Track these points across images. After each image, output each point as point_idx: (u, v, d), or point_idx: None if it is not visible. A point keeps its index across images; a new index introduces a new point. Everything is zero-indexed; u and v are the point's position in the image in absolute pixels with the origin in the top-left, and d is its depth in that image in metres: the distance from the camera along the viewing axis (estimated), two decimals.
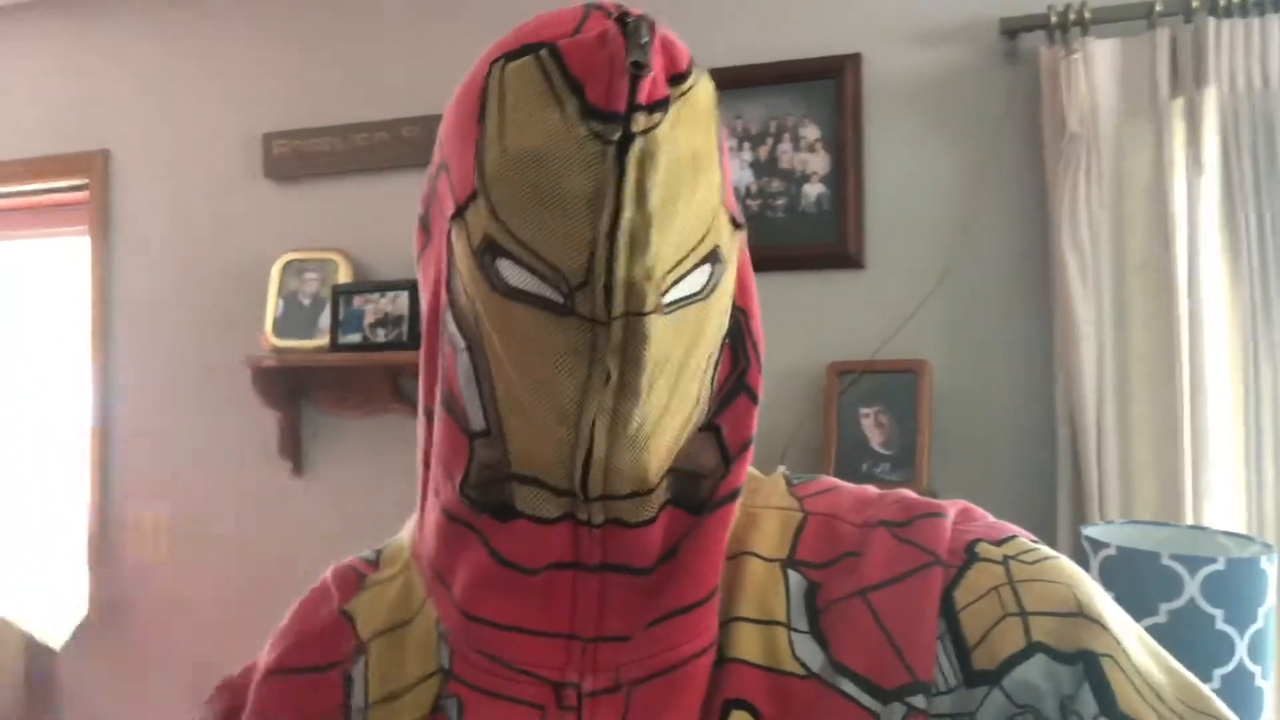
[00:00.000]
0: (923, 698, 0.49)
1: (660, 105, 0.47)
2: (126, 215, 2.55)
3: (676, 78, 0.48)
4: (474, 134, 0.50)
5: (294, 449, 2.36)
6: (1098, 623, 0.49)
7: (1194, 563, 1.26)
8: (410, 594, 0.60)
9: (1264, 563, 1.31)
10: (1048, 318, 1.83)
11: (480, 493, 0.52)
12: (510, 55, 0.50)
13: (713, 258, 0.51)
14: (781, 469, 0.62)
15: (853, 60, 1.94)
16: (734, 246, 0.54)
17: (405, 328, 2.16)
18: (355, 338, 2.20)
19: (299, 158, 2.34)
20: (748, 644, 0.52)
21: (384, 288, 2.20)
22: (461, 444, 0.53)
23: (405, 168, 2.27)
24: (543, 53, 0.48)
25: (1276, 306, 1.64)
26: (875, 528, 0.54)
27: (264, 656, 0.64)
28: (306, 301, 2.29)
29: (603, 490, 0.49)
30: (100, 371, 2.55)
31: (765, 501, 0.58)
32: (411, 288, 2.18)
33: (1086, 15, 1.73)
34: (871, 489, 0.59)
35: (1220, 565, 1.27)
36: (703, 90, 0.50)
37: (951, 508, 0.56)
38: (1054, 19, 1.75)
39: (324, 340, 2.24)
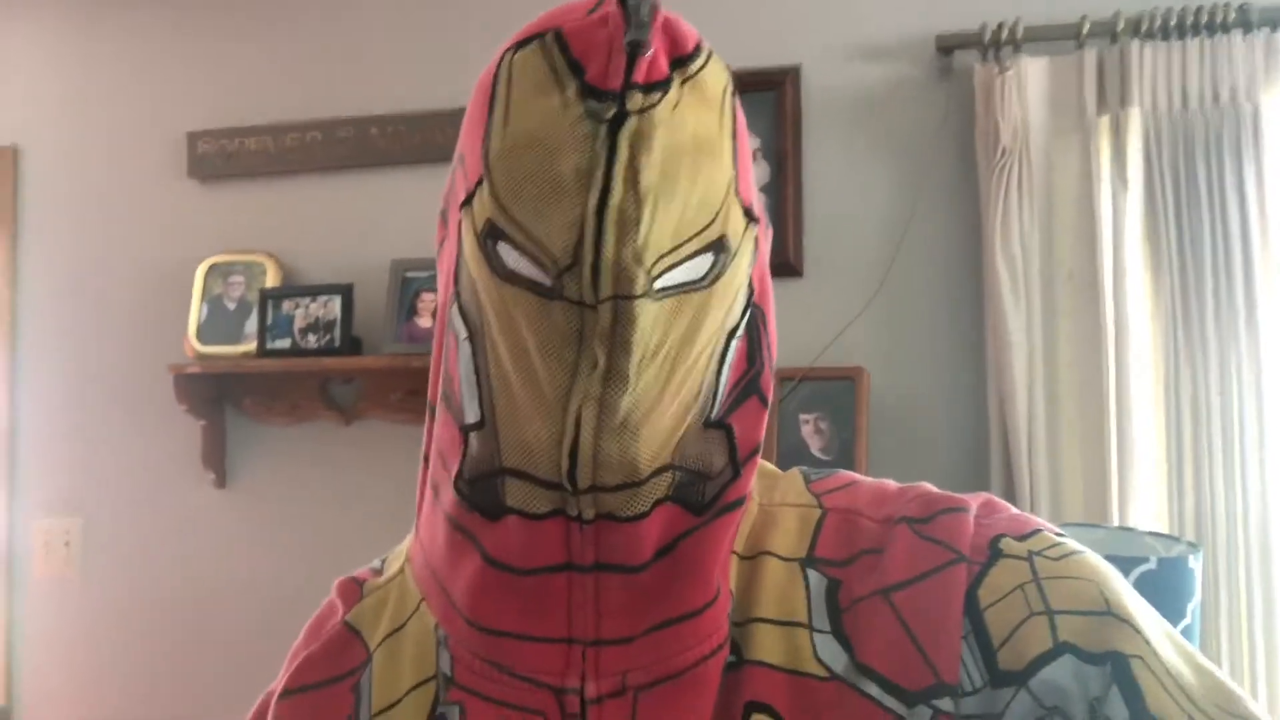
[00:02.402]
0: (949, 700, 0.48)
1: (660, 85, 0.46)
2: (37, 215, 2.42)
3: (681, 60, 0.47)
4: (484, 123, 0.49)
5: (218, 459, 2.27)
6: (1127, 622, 0.48)
7: (1127, 563, 1.31)
8: (405, 598, 0.58)
9: (1191, 561, 1.36)
10: (980, 326, 1.88)
11: (472, 488, 0.51)
12: (520, 44, 0.50)
13: (718, 247, 0.49)
14: (824, 461, 0.61)
15: (792, 73, 1.97)
16: (748, 239, 0.52)
17: (337, 333, 2.10)
18: (284, 343, 2.13)
19: (225, 157, 2.26)
20: (768, 645, 0.51)
21: (315, 291, 2.14)
22: (457, 438, 0.51)
23: (340, 169, 2.21)
24: (547, 37, 0.48)
25: (1195, 317, 1.72)
26: (896, 524, 0.53)
27: (280, 678, 0.61)
28: (232, 306, 2.21)
29: (591, 481, 0.48)
30: (8, 377, 2.42)
31: (783, 499, 0.57)
32: (344, 292, 2.12)
33: (1019, 34, 1.79)
34: (890, 483, 0.58)
35: (1153, 565, 1.32)
36: (713, 74, 0.49)
37: (974, 501, 0.55)
38: (988, 37, 1.81)
39: (251, 346, 2.16)
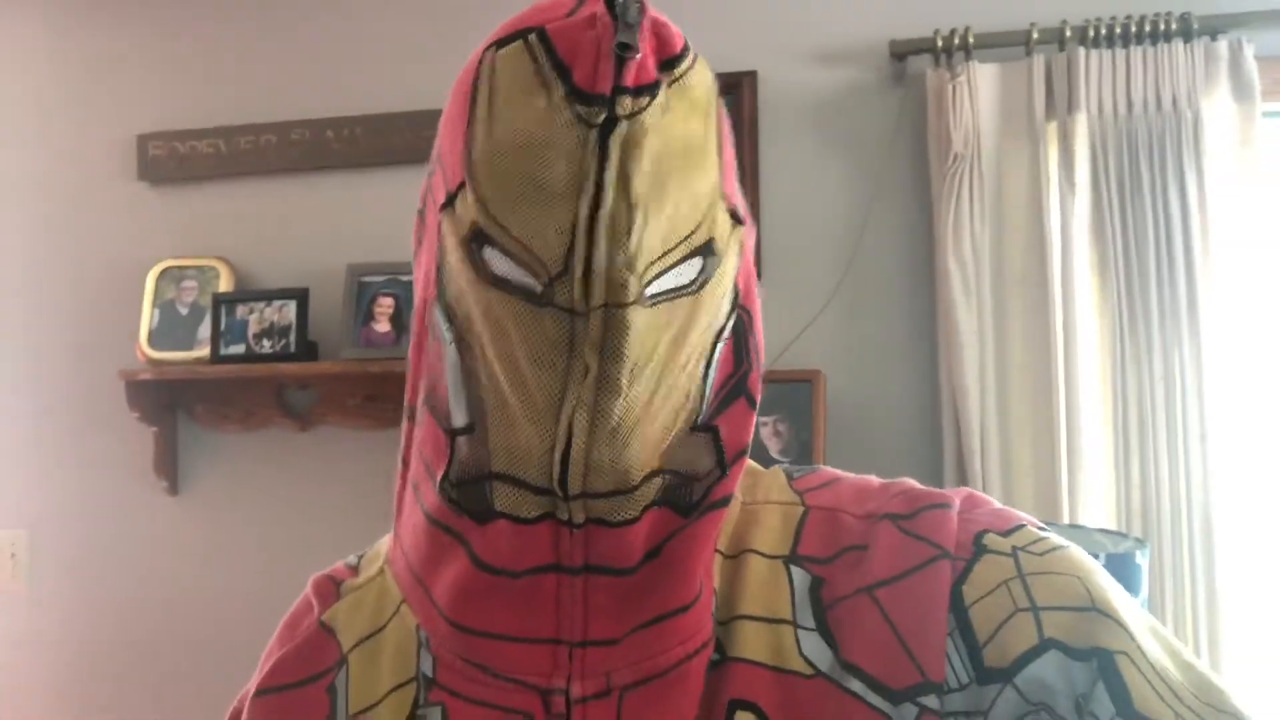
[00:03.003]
0: (935, 697, 0.48)
1: (649, 89, 0.45)
2: None
3: (669, 61, 0.47)
4: (464, 122, 0.49)
5: (170, 466, 2.23)
6: (1112, 618, 0.48)
7: None
8: (384, 599, 0.58)
9: (1139, 557, 1.40)
10: (933, 328, 1.91)
11: (460, 492, 0.50)
12: (502, 41, 0.49)
13: (705, 250, 0.49)
14: (782, 463, 0.61)
15: (749, 77, 1.98)
16: (733, 241, 0.52)
17: (293, 338, 2.08)
18: (238, 349, 2.10)
19: (177, 160, 2.22)
20: (752, 643, 0.51)
21: (270, 296, 2.11)
22: (443, 442, 0.51)
23: (295, 172, 2.18)
24: (531, 37, 0.47)
25: (1140, 317, 1.76)
26: (880, 520, 0.53)
27: (254, 677, 0.60)
28: (184, 311, 2.18)
29: (582, 488, 0.48)
30: None
31: (765, 496, 0.57)
32: (300, 297, 2.10)
33: (970, 40, 1.82)
34: (874, 479, 0.58)
35: (1101, 560, 1.35)
36: (699, 77, 0.49)
37: (957, 496, 0.55)
38: (940, 43, 1.83)
39: (204, 351, 2.13)
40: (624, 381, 0.46)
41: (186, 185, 2.25)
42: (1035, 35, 1.81)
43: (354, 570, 0.62)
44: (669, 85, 0.47)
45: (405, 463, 0.56)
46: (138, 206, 2.27)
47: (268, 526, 2.21)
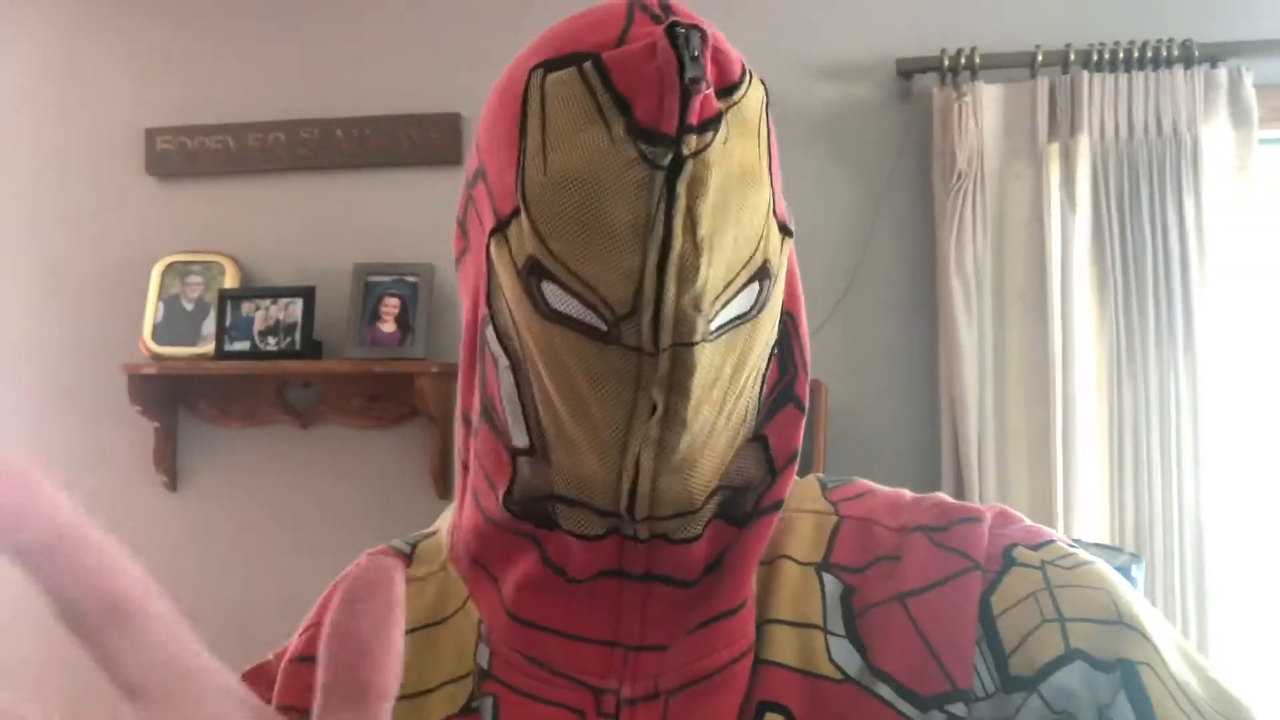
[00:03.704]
0: (962, 705, 0.49)
1: (712, 124, 0.44)
2: None
3: (727, 89, 0.46)
4: (514, 144, 0.48)
5: (170, 462, 2.23)
6: (1137, 630, 0.49)
7: None
8: (448, 594, 0.58)
9: (1134, 571, 1.43)
10: (934, 342, 1.94)
11: (523, 508, 0.52)
12: (551, 64, 0.47)
13: (762, 274, 0.49)
14: (817, 473, 0.62)
15: None
16: (784, 256, 0.52)
17: (298, 336, 2.09)
18: (243, 345, 2.11)
19: (185, 155, 2.23)
20: (783, 647, 0.52)
21: (276, 294, 2.12)
22: (504, 458, 0.52)
23: (303, 170, 2.19)
24: (587, 65, 0.45)
25: (1138, 336, 1.80)
26: (912, 532, 0.54)
27: (293, 641, 0.61)
28: (189, 306, 2.18)
29: (649, 513, 0.49)
30: None
31: (799, 505, 0.58)
32: (306, 295, 2.11)
33: (976, 61, 1.85)
34: (906, 493, 0.58)
35: None
36: (752, 97, 0.48)
37: (988, 511, 0.55)
38: (946, 62, 1.87)
39: (208, 347, 2.13)
40: (689, 416, 0.47)
41: (194, 180, 2.25)
42: (1040, 58, 1.84)
43: (407, 558, 0.62)
44: (727, 113, 0.46)
45: (465, 466, 0.57)
46: (144, 200, 2.28)
47: (266, 523, 2.21)
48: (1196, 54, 1.79)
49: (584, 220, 0.45)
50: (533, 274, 0.48)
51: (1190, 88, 1.79)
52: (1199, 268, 1.77)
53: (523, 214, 0.47)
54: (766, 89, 0.50)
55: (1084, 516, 1.81)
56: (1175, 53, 1.79)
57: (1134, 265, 1.80)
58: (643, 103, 0.44)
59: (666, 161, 0.44)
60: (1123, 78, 1.81)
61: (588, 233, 0.45)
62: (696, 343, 0.46)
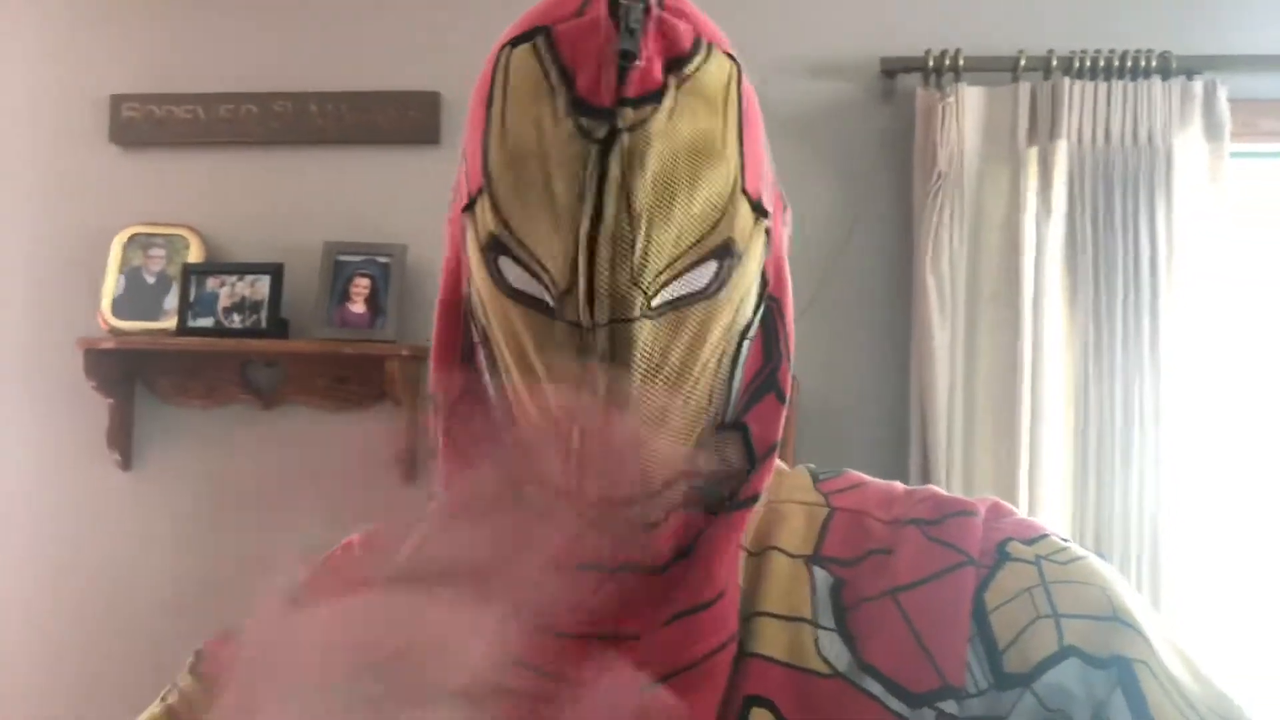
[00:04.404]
0: (953, 703, 0.48)
1: (653, 97, 0.45)
2: None
3: (676, 61, 0.46)
4: (482, 123, 0.48)
5: (124, 440, 2.16)
6: (1132, 627, 0.48)
7: None
8: None
9: None
10: (907, 339, 1.96)
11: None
12: (516, 39, 0.48)
13: (721, 252, 0.48)
14: (808, 464, 0.61)
15: None
16: (756, 236, 0.51)
17: (264, 314, 2.04)
18: (207, 322, 2.05)
19: (152, 124, 2.16)
20: (771, 640, 0.51)
21: (243, 270, 2.07)
22: (474, 438, 0.52)
23: (275, 145, 2.14)
24: (539, 39, 0.46)
25: (1106, 340, 1.83)
26: (905, 526, 0.53)
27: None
28: (151, 280, 2.12)
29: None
30: None
31: (790, 496, 0.57)
32: (274, 272, 2.06)
33: (960, 63, 1.87)
34: (899, 485, 0.58)
35: None
36: (713, 70, 0.48)
37: (982, 505, 0.55)
38: (931, 63, 1.88)
39: (170, 323, 2.07)
40: (634, 393, 0.47)
41: (160, 150, 2.18)
42: (1023, 62, 1.86)
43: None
44: (678, 86, 0.46)
45: (443, 453, 0.57)
46: (107, 169, 2.20)
47: (223, 506, 2.15)
48: (1174, 66, 1.82)
49: (531, 193, 0.46)
50: (492, 249, 0.48)
51: (1167, 98, 1.82)
52: (1168, 275, 1.81)
53: (485, 190, 0.48)
54: (737, 62, 0.50)
55: (1048, 516, 1.83)
56: (1154, 63, 1.82)
57: (1105, 270, 1.83)
58: (583, 75, 0.45)
59: (601, 135, 0.44)
60: (1102, 86, 1.84)
61: (533, 207, 0.46)
62: (635, 319, 0.46)
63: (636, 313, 0.46)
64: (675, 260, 0.47)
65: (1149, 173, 1.82)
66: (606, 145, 0.44)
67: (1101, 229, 1.84)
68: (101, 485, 2.18)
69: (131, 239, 2.12)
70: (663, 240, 0.46)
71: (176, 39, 2.20)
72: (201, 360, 2.14)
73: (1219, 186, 1.82)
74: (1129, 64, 1.83)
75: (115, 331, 2.07)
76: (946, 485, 1.85)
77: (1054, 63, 1.86)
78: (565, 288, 0.46)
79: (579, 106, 0.44)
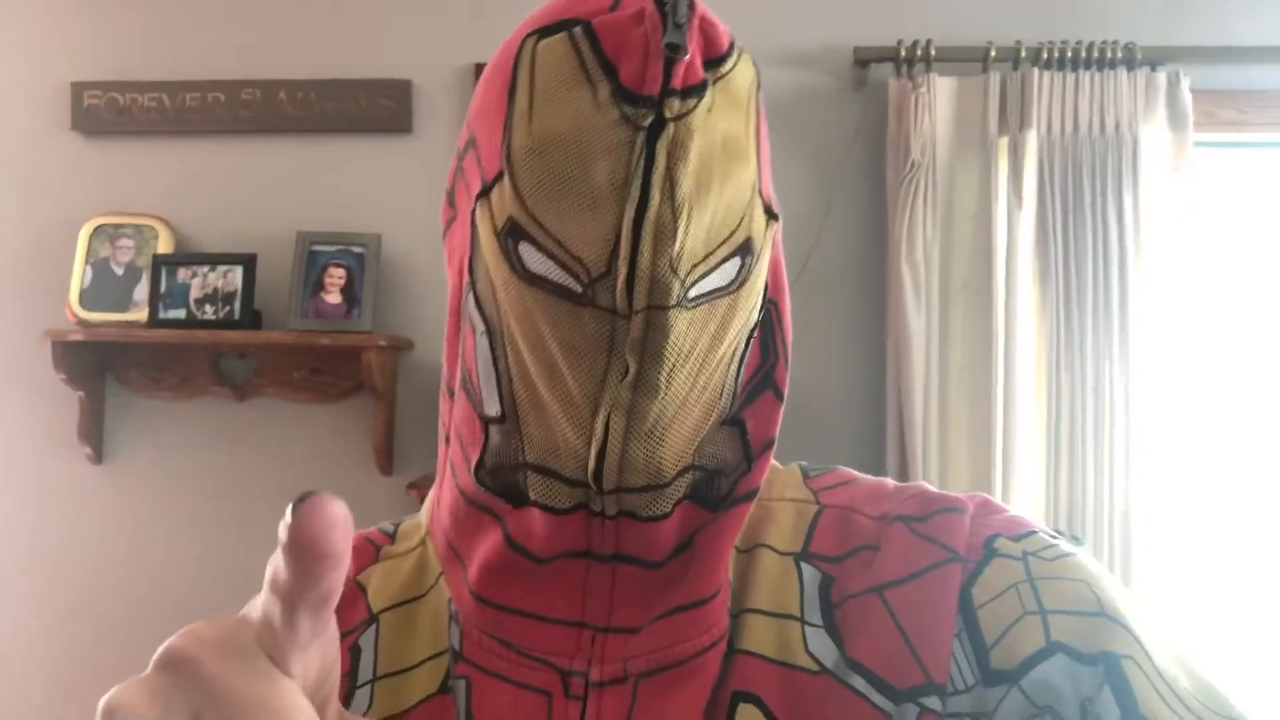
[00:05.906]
0: (937, 699, 0.48)
1: (696, 90, 0.45)
2: None
3: (714, 61, 0.47)
4: (503, 111, 0.48)
5: (95, 433, 2.14)
6: (1119, 623, 0.48)
7: None
8: (425, 570, 0.58)
9: None
10: (882, 327, 1.99)
11: (494, 478, 0.51)
12: (544, 30, 0.48)
13: (744, 250, 0.49)
14: (799, 461, 0.61)
15: None
16: (768, 237, 0.52)
17: (237, 305, 2.02)
18: (178, 313, 2.02)
19: (115, 112, 2.12)
20: (759, 637, 0.51)
21: (215, 260, 2.04)
22: (477, 427, 0.52)
23: (244, 133, 2.11)
24: (576, 30, 0.47)
25: (1076, 327, 1.87)
26: (893, 522, 0.53)
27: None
28: (119, 271, 2.08)
29: (617, 483, 0.49)
30: None
31: (780, 493, 0.57)
32: (246, 263, 2.04)
33: (932, 53, 1.89)
34: (888, 481, 0.58)
35: None
36: (741, 74, 0.49)
37: (970, 501, 0.55)
38: (903, 53, 1.90)
39: (140, 314, 2.04)
40: (662, 382, 0.47)
41: (124, 139, 2.14)
42: (993, 53, 1.89)
43: (389, 537, 0.62)
44: (714, 84, 0.46)
45: (446, 440, 0.57)
46: (69, 159, 2.16)
47: (196, 499, 2.14)
48: (1139, 57, 1.86)
49: (564, 181, 0.46)
50: (510, 235, 0.48)
51: (1132, 89, 1.86)
52: (1136, 263, 1.85)
53: (505, 176, 0.48)
54: (758, 71, 0.51)
55: (1021, 501, 1.88)
56: (1119, 55, 1.86)
57: (1075, 259, 1.87)
58: (628, 66, 0.45)
59: (648, 123, 0.45)
60: (1070, 76, 1.87)
61: (567, 192, 0.46)
62: (672, 307, 0.46)
63: (673, 301, 0.46)
64: (710, 254, 0.48)
65: (1116, 162, 1.85)
66: (651, 133, 0.45)
67: (1071, 217, 1.87)
68: (73, 479, 2.15)
69: (98, 229, 2.09)
70: (699, 231, 0.46)
71: (140, 25, 2.15)
72: (173, 352, 2.11)
73: (1183, 176, 1.86)
74: (1095, 55, 1.86)
75: (84, 323, 2.04)
76: (923, 471, 1.89)
77: (1023, 53, 1.88)
78: (599, 273, 0.46)
79: (624, 95, 0.45)
